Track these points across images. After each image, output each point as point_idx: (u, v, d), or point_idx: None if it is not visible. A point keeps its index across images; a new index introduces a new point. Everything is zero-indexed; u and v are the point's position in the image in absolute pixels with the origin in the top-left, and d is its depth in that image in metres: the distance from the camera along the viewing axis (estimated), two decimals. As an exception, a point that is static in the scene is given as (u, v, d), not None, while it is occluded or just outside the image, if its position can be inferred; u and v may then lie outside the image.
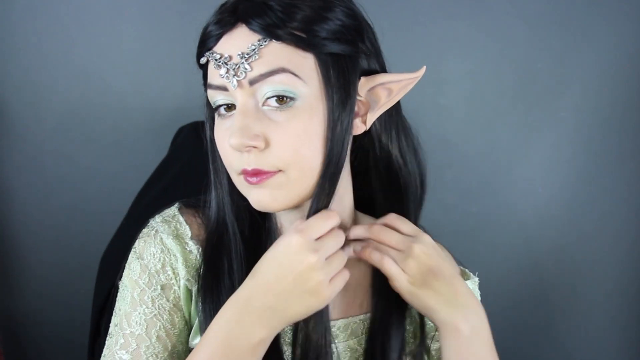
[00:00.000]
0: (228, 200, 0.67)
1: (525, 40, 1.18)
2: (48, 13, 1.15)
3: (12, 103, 1.18)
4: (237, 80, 0.58)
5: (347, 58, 0.61)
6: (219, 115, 0.62)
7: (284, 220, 0.69)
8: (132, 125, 1.20)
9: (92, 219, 1.22)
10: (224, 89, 0.60)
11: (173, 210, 0.72)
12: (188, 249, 0.68)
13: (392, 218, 0.67)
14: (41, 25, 1.16)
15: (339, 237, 0.62)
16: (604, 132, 1.20)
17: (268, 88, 0.58)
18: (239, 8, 0.60)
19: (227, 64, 0.59)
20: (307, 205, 0.64)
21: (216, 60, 0.59)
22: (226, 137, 0.60)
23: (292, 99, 0.59)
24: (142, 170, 1.08)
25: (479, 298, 0.75)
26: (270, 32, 0.58)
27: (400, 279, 0.64)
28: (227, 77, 0.59)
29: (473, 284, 0.75)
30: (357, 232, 0.67)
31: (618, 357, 1.30)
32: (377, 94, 0.64)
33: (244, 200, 0.66)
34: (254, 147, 0.58)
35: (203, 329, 0.64)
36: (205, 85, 0.64)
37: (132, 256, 0.70)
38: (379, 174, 0.71)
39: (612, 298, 1.27)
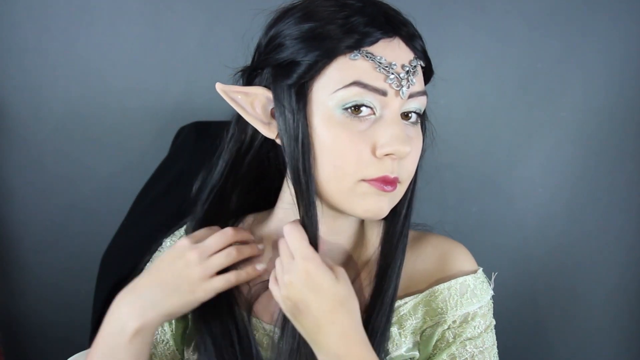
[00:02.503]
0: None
1: (525, 40, 1.18)
2: (48, 13, 1.15)
3: (12, 103, 1.18)
4: (407, 91, 0.61)
5: None
6: (347, 114, 0.60)
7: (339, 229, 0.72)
8: (132, 125, 1.20)
9: (92, 218, 1.22)
10: (382, 93, 0.61)
11: (162, 247, 0.77)
12: None
13: (286, 230, 0.64)
14: (41, 25, 1.16)
15: (221, 238, 0.66)
16: (604, 132, 1.20)
17: (415, 105, 0.64)
18: (393, 19, 0.63)
19: (394, 73, 0.61)
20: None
21: (381, 63, 0.60)
22: (361, 141, 0.60)
23: (420, 118, 0.67)
24: (142, 170, 1.09)
25: (486, 294, 0.73)
26: (423, 54, 0.65)
27: (278, 299, 0.63)
28: (397, 84, 0.61)
29: (475, 279, 0.73)
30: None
31: (618, 357, 1.30)
32: None
33: None
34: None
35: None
36: (306, 77, 0.61)
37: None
38: None
39: (613, 298, 1.27)
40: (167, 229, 0.94)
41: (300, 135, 0.61)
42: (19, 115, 1.19)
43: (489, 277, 0.76)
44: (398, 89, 0.61)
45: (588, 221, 1.24)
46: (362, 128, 0.61)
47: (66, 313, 1.26)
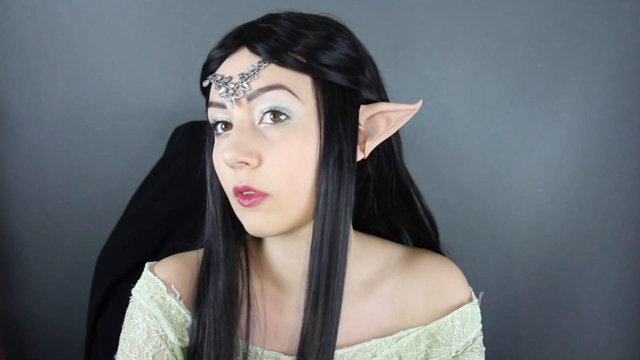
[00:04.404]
0: (220, 228, 0.67)
1: (525, 40, 1.18)
2: (48, 13, 1.16)
3: (12, 103, 1.18)
4: (236, 99, 0.60)
5: (346, 88, 0.62)
6: (217, 134, 0.64)
7: (277, 249, 0.69)
8: (131, 125, 1.21)
9: (92, 219, 1.22)
10: (222, 106, 0.62)
11: (145, 272, 0.72)
12: (167, 304, 0.69)
13: None
14: (41, 25, 1.16)
15: None
16: (604, 132, 1.20)
17: (265, 104, 0.60)
18: (243, 33, 0.62)
19: (227, 84, 0.61)
20: (302, 232, 0.65)
21: (217, 81, 0.62)
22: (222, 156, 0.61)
23: (287, 116, 0.60)
24: (141, 170, 1.09)
25: (479, 318, 0.73)
26: (271, 54, 0.60)
27: None
28: (226, 96, 0.60)
29: (472, 306, 0.73)
30: None
31: (619, 357, 1.30)
32: (376, 123, 0.65)
33: (236, 230, 0.68)
34: (247, 163, 0.59)
35: None
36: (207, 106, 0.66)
37: (121, 335, 0.70)
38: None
39: (613, 298, 1.27)
40: (163, 229, 0.95)
41: (209, 160, 0.67)
42: (19, 116, 1.19)
43: (476, 293, 0.75)
44: (227, 100, 0.61)
45: (588, 221, 1.24)
46: (225, 144, 0.62)
47: (66, 313, 1.26)
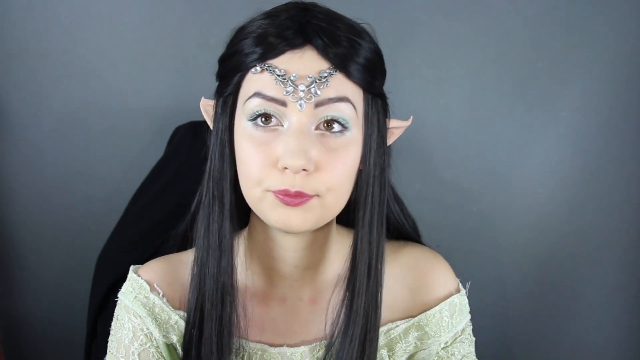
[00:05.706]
0: (229, 220, 0.67)
1: (525, 40, 1.18)
2: (48, 13, 1.15)
3: (12, 103, 1.18)
4: (306, 103, 0.60)
5: (384, 102, 0.66)
6: (256, 125, 0.62)
7: (272, 242, 0.70)
8: (131, 125, 1.21)
9: (92, 219, 1.22)
10: (282, 103, 0.60)
11: (129, 274, 0.73)
12: (151, 303, 0.70)
13: None
14: (41, 25, 1.16)
15: None
16: (604, 132, 1.20)
17: (330, 113, 0.61)
18: (307, 29, 0.61)
19: (294, 83, 0.59)
20: (317, 232, 0.68)
21: (279, 76, 0.60)
22: (263, 152, 0.61)
23: (346, 128, 0.62)
24: (141, 171, 1.09)
25: (468, 308, 0.74)
26: (341, 63, 0.60)
27: None
28: (294, 97, 0.59)
29: (460, 297, 0.74)
30: None
31: (619, 357, 1.30)
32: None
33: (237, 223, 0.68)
34: (305, 170, 0.59)
35: None
36: (228, 90, 0.64)
37: (110, 336, 0.72)
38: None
39: (612, 298, 1.27)
40: (163, 229, 0.95)
41: (219, 145, 0.65)
42: (19, 115, 1.19)
43: (463, 284, 0.76)
44: (295, 101, 0.59)
45: (588, 221, 1.24)
46: (267, 139, 0.61)
47: (66, 313, 1.26)
